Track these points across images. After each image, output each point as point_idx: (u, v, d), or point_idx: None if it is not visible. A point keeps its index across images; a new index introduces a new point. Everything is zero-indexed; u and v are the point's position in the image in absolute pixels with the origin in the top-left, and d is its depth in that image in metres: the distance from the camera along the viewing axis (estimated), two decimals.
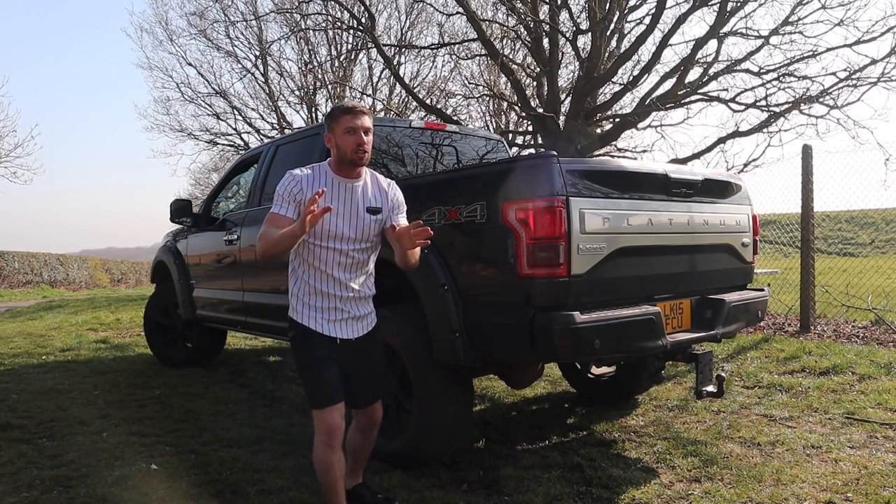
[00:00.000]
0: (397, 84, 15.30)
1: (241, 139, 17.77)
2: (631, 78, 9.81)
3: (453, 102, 15.30)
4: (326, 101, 16.73)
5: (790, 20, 8.55)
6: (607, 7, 9.09)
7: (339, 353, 2.55)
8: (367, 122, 2.50)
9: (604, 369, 4.44)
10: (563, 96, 10.69)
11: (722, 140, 9.16)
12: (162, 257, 6.33)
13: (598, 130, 10.13)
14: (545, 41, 9.65)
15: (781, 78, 8.72)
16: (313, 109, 16.91)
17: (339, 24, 12.41)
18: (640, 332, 2.92)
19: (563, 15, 9.55)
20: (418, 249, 2.47)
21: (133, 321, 9.60)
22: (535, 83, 11.09)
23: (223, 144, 18.26)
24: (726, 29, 8.78)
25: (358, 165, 2.52)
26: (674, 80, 9.30)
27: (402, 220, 2.62)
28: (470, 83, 13.81)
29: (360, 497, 2.82)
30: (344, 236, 2.50)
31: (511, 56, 12.37)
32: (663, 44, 8.84)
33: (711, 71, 9.22)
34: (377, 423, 2.78)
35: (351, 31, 13.80)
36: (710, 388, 3.34)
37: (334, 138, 2.51)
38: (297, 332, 2.55)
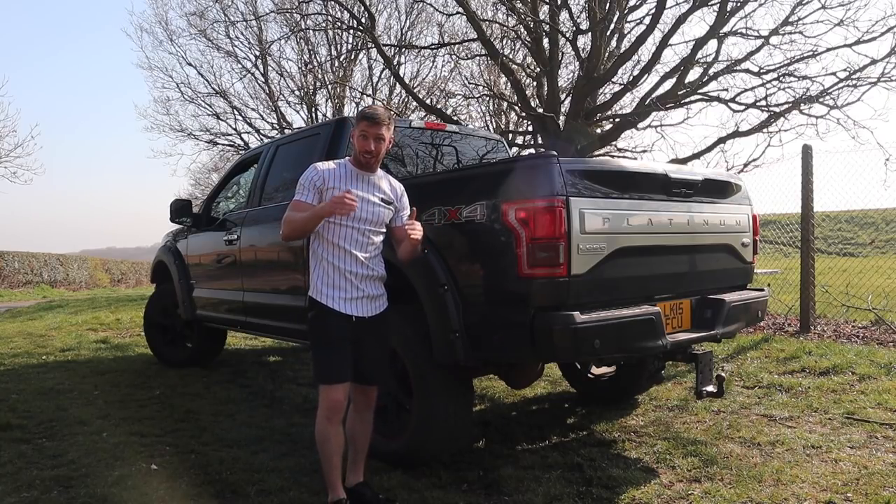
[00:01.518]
0: (397, 84, 15.30)
1: (241, 139, 17.78)
2: (631, 78, 9.81)
3: (453, 102, 15.30)
4: (326, 101, 16.75)
5: (790, 20, 8.54)
6: (607, 7, 9.09)
7: (354, 331, 2.74)
8: (383, 132, 2.75)
9: (604, 369, 4.44)
10: (563, 96, 10.69)
11: (722, 140, 9.16)
12: (162, 257, 6.33)
13: (598, 130, 10.12)
14: (545, 41, 9.65)
15: (781, 78, 8.72)
16: (313, 109, 16.91)
17: (339, 24, 12.40)
18: (640, 332, 2.92)
19: (563, 15, 9.55)
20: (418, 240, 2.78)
21: (133, 321, 9.60)
22: (535, 83, 11.09)
23: (223, 144, 18.27)
24: (726, 29, 8.78)
25: (364, 167, 2.79)
26: (674, 80, 9.30)
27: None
28: (470, 83, 13.80)
29: (361, 496, 2.83)
30: (361, 218, 2.75)
31: (511, 56, 12.36)
32: (663, 44, 8.84)
33: (711, 71, 9.22)
34: (372, 403, 2.93)
35: (351, 31, 13.79)
36: (710, 388, 3.34)
37: (354, 135, 2.78)
38: (317, 312, 2.74)
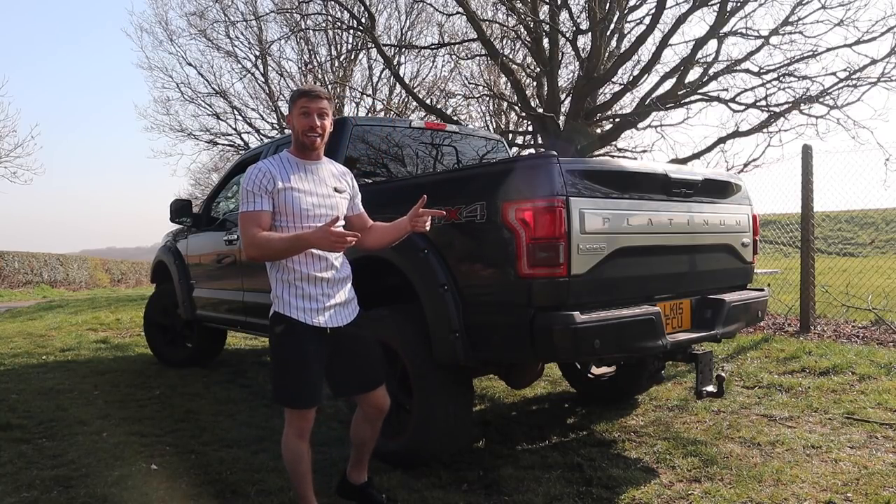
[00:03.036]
0: (397, 84, 15.31)
1: (241, 139, 17.79)
2: (631, 78, 9.82)
3: (453, 102, 15.33)
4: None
5: (790, 20, 8.55)
6: (607, 7, 9.09)
7: (329, 344, 2.53)
8: (324, 105, 2.52)
9: (604, 369, 4.44)
10: (563, 96, 10.69)
11: (722, 140, 9.16)
12: (162, 257, 6.33)
13: (598, 130, 10.12)
14: (545, 41, 9.65)
15: (781, 78, 8.72)
16: None
17: (339, 24, 12.41)
18: (640, 332, 2.92)
19: (563, 15, 9.55)
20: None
21: (133, 321, 9.60)
22: (535, 83, 11.09)
23: (223, 144, 18.28)
24: (726, 29, 8.78)
25: (308, 148, 2.54)
26: (674, 80, 9.30)
27: (362, 209, 2.76)
28: (470, 83, 13.82)
29: (369, 496, 2.82)
30: (319, 214, 2.51)
31: (511, 56, 12.36)
32: (663, 44, 8.84)
33: (711, 71, 9.22)
34: (385, 410, 2.74)
35: (351, 31, 13.80)
36: (710, 388, 3.33)
37: (292, 119, 2.55)
38: (287, 328, 2.47)
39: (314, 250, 2.45)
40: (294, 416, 2.51)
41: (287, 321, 2.47)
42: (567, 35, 9.46)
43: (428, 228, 2.62)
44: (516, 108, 12.46)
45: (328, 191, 2.57)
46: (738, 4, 8.65)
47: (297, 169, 2.52)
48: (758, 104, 8.78)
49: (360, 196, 2.76)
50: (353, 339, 2.62)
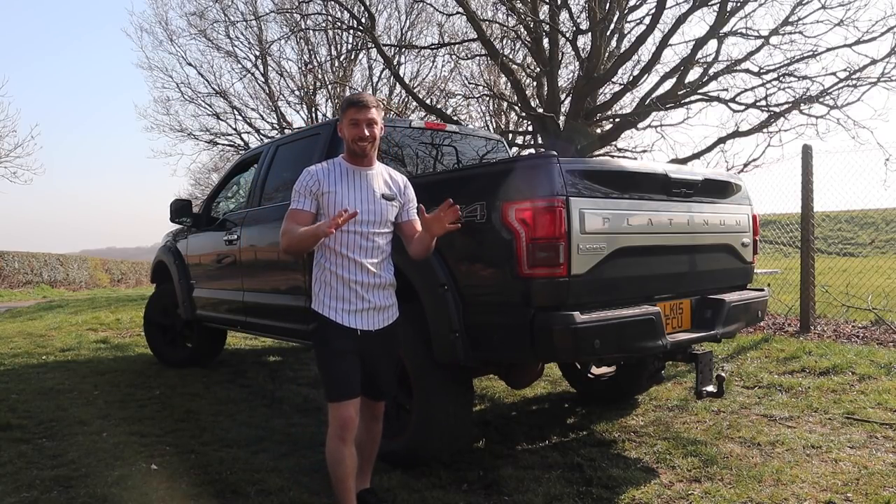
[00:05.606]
0: (397, 84, 15.30)
1: (241, 139, 17.79)
2: (631, 78, 9.81)
3: (453, 102, 15.32)
4: (326, 101, 16.76)
5: (790, 20, 8.55)
6: (607, 7, 9.09)
7: (360, 345, 2.57)
8: (372, 114, 2.57)
9: (604, 369, 4.44)
10: (563, 96, 10.68)
11: (722, 140, 9.16)
12: (162, 257, 6.33)
13: (598, 130, 10.12)
14: (545, 41, 9.65)
15: (781, 78, 8.72)
16: (313, 109, 16.91)
17: (339, 24, 12.40)
18: (640, 332, 2.92)
19: (563, 15, 9.55)
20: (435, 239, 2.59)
21: (133, 321, 9.60)
22: (535, 83, 11.09)
23: (223, 144, 18.28)
24: (726, 29, 8.78)
25: (359, 155, 2.61)
26: (674, 80, 9.30)
27: (415, 215, 2.72)
28: (470, 83, 13.81)
29: (365, 503, 2.81)
30: (363, 220, 2.56)
31: (511, 56, 12.36)
32: (663, 44, 8.84)
33: (711, 71, 9.22)
34: (378, 416, 2.80)
35: (351, 31, 13.79)
36: (710, 388, 3.34)
37: (343, 128, 2.61)
38: (319, 324, 2.58)
39: (349, 254, 2.53)
40: (331, 413, 2.54)
41: (319, 318, 2.58)
42: (567, 35, 9.45)
43: (447, 227, 2.51)
44: (516, 108, 12.46)
45: (375, 197, 2.61)
46: (738, 4, 8.65)
47: (346, 174, 2.60)
48: (758, 104, 8.78)
49: (414, 203, 2.75)
50: (380, 348, 2.65)
